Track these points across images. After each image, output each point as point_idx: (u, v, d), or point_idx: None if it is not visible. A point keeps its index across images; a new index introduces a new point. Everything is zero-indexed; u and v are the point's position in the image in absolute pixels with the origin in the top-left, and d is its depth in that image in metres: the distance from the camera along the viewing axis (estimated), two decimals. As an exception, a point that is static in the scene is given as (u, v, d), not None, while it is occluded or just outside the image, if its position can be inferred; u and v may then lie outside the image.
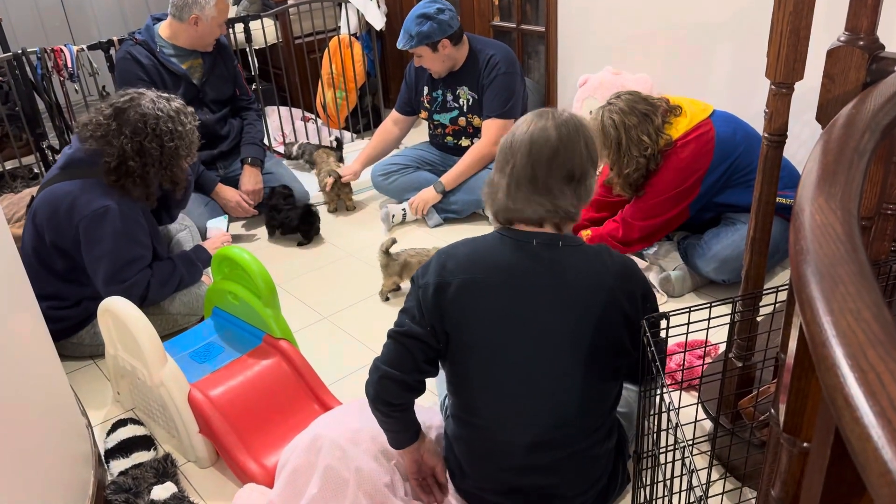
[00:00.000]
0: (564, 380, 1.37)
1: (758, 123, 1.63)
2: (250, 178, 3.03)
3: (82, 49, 3.21)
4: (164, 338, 1.91)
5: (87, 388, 2.16)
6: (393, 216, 3.03)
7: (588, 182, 1.36)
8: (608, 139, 2.22)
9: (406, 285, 2.52)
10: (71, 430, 1.68)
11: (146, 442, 1.89)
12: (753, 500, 1.55)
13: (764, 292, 1.47)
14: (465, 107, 3.04)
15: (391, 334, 1.42)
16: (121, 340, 1.89)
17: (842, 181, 0.79)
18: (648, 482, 1.38)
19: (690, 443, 1.39)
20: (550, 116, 1.35)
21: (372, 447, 1.53)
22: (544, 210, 1.34)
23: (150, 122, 2.06)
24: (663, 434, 1.33)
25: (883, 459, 0.45)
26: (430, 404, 1.82)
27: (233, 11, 3.97)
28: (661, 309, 1.37)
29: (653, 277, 2.45)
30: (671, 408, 1.20)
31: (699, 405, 1.70)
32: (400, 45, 2.90)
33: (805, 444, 0.82)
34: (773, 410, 0.94)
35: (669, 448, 1.32)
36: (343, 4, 3.97)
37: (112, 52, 3.19)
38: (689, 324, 1.32)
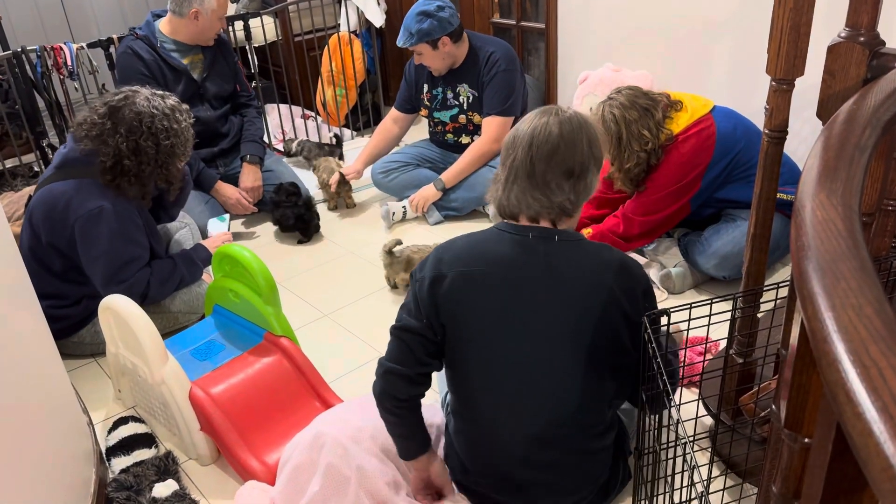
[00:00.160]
0: (563, 377, 1.37)
1: (758, 120, 1.63)
2: (250, 176, 3.03)
3: (82, 47, 3.20)
4: (165, 336, 1.92)
5: (88, 386, 2.16)
6: (393, 214, 3.03)
7: (588, 179, 1.36)
8: (609, 134, 2.22)
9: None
10: (72, 428, 1.69)
11: (147, 440, 1.90)
12: (754, 497, 1.55)
13: (765, 289, 1.47)
14: (465, 104, 3.04)
15: (391, 330, 1.44)
16: (122, 338, 1.89)
17: (843, 177, 0.79)
18: (649, 478, 1.39)
19: (691, 439, 1.39)
20: (554, 113, 1.36)
21: (373, 446, 1.54)
22: (539, 205, 1.35)
23: (145, 120, 2.04)
24: (664, 430, 1.33)
25: (885, 454, 0.45)
26: (431, 402, 1.82)
27: (232, 9, 3.96)
28: (662, 306, 1.37)
29: (653, 274, 2.45)
30: (672, 404, 1.20)
31: (700, 402, 1.70)
32: (400, 42, 2.90)
33: (806, 440, 0.82)
34: (774, 406, 0.94)
35: (670, 444, 1.32)
36: (343, 2, 3.97)
37: (112, 50, 3.19)
38: (689, 320, 1.32)
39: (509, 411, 1.40)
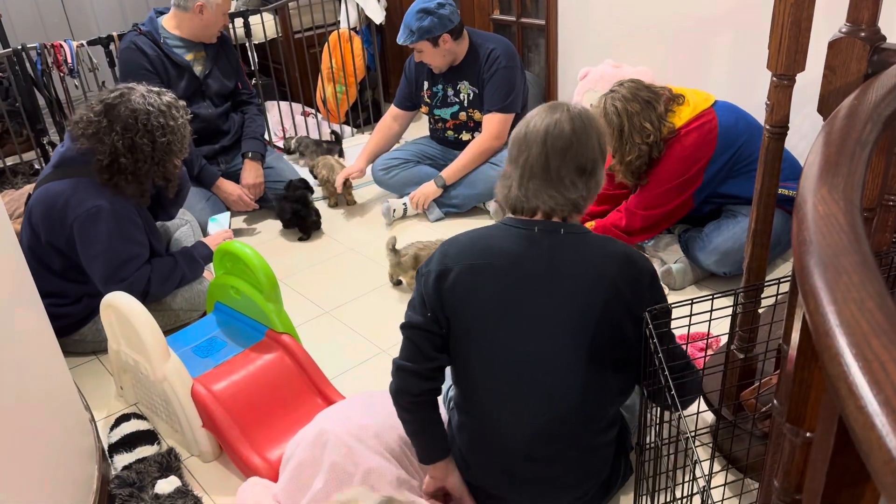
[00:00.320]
0: (565, 372, 1.37)
1: (759, 115, 1.63)
2: (251, 172, 3.03)
3: (82, 44, 3.20)
4: (166, 333, 1.92)
5: (90, 383, 2.16)
6: (394, 211, 3.03)
7: (598, 175, 1.38)
8: (611, 126, 2.22)
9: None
10: (75, 426, 1.69)
11: (149, 436, 1.90)
12: (755, 492, 1.56)
13: (766, 284, 1.47)
14: (465, 101, 3.04)
15: (400, 329, 1.45)
16: (124, 336, 1.89)
17: (844, 172, 0.79)
18: (651, 473, 1.39)
19: (693, 434, 1.39)
20: (564, 109, 1.36)
21: (377, 444, 1.54)
22: (554, 202, 1.35)
23: (140, 117, 2.03)
24: (665, 426, 1.33)
25: (887, 448, 0.45)
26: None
27: (232, 6, 3.96)
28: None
29: (654, 270, 2.45)
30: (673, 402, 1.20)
31: (701, 397, 1.70)
32: (400, 40, 2.90)
33: (808, 434, 0.82)
34: (775, 401, 0.94)
35: (672, 440, 1.33)
36: (342, -1, 3.97)
37: (112, 47, 3.19)
38: (691, 315, 1.32)
39: (511, 407, 1.40)
